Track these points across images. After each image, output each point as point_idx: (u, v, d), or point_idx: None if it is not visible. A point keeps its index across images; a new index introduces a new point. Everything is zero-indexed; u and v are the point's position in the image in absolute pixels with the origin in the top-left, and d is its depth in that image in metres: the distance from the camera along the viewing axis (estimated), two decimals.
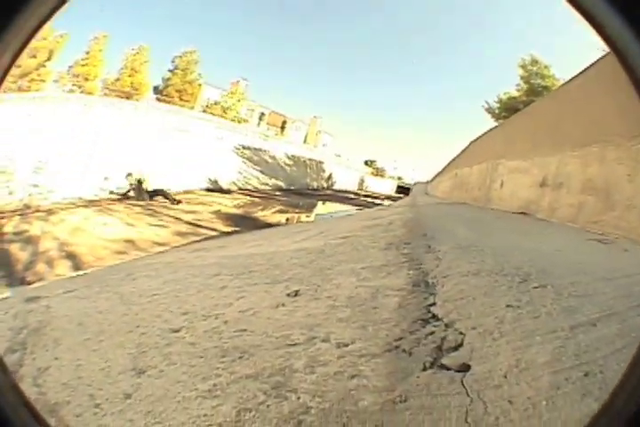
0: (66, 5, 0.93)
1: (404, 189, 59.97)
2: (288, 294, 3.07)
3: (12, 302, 4.13)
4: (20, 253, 8.85)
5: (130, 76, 41.98)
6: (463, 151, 19.75)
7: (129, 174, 17.25)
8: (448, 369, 1.71)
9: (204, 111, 40.89)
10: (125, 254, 8.81)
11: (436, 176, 31.65)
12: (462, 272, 3.02)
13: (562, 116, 7.65)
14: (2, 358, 0.92)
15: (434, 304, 2.45)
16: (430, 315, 2.31)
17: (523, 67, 26.04)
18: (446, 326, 2.14)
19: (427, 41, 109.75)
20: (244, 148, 31.33)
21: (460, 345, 1.89)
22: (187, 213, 12.98)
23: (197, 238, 10.47)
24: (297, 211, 20.02)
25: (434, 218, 7.09)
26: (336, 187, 47.77)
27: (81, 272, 7.16)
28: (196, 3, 79.00)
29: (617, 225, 5.14)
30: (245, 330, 2.55)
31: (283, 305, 2.87)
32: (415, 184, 51.68)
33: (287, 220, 16.38)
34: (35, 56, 36.18)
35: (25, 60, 36.07)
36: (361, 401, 1.61)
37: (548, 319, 2.01)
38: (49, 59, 37.43)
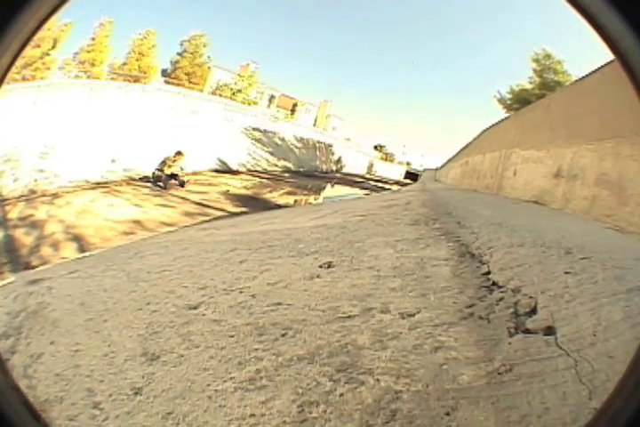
0: (66, 5, 0.96)
1: (412, 175, 59.30)
2: (321, 266, 2.84)
3: (14, 286, 3.90)
4: (24, 238, 8.70)
5: (137, 60, 41.88)
6: (475, 139, 19.40)
7: (178, 153, 16.34)
8: (534, 333, 1.58)
9: (214, 93, 40.82)
10: (133, 235, 8.62)
11: (445, 163, 31.38)
12: (506, 244, 2.82)
13: (578, 109, 7.54)
14: (1, 357, 0.99)
15: (489, 273, 2.29)
16: (490, 282, 2.16)
17: (536, 60, 25.87)
18: (513, 291, 1.99)
19: (441, 25, 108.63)
20: (253, 129, 31.13)
21: (535, 309, 1.75)
22: (195, 193, 12.79)
23: (206, 218, 10.26)
24: (305, 193, 19.82)
25: (451, 200, 6.90)
26: (345, 170, 47.25)
27: (87, 254, 6.85)
28: None
29: (630, 220, 4.95)
30: (280, 304, 2.30)
31: (318, 277, 2.63)
32: (424, 170, 51.30)
33: (295, 201, 16.17)
34: (39, 46, 36.24)
35: (28, 51, 36.06)
36: (460, 376, 1.37)
37: (604, 284, 1.90)
38: (53, 47, 37.44)
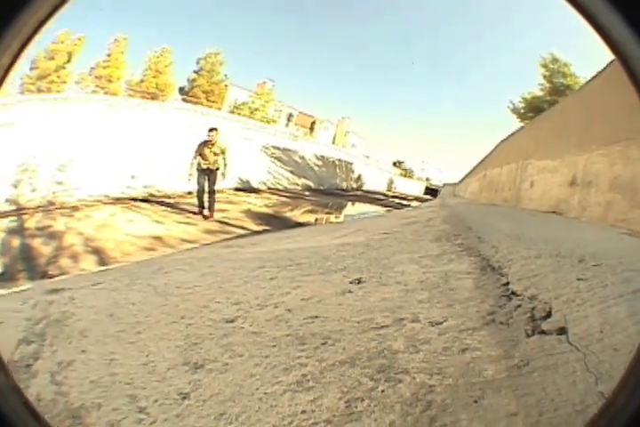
0: (66, 5, 0.95)
1: (432, 191, 60.02)
2: (351, 282, 2.99)
3: (31, 293, 3.87)
4: (42, 247, 8.62)
5: (154, 77, 42.98)
6: (491, 152, 19.40)
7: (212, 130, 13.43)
8: (548, 334, 1.79)
9: (232, 112, 41.00)
10: (153, 251, 8.66)
11: (464, 178, 31.39)
12: (524, 256, 3.01)
13: (587, 114, 7.60)
14: (2, 358, 0.93)
15: (508, 283, 2.50)
16: (510, 291, 2.36)
17: (544, 66, 26.60)
18: (530, 298, 2.19)
19: (453, 39, 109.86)
20: (273, 148, 31.26)
21: (550, 313, 1.96)
22: (216, 211, 12.70)
23: (227, 236, 10.29)
24: (326, 211, 19.96)
25: (470, 216, 6.96)
26: (365, 188, 47.44)
27: (108, 267, 6.93)
28: (219, 4, 79.64)
29: None
30: (317, 317, 2.46)
31: (350, 292, 2.80)
32: (444, 186, 51.26)
33: (316, 220, 16.19)
34: (53, 58, 37.23)
35: (43, 63, 36.91)
36: (484, 371, 1.60)
37: (613, 287, 2.09)
38: (69, 61, 38.22)
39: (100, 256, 8.12)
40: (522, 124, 24.10)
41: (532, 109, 26.61)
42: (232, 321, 2.55)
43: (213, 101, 44.07)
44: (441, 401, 1.45)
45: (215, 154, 12.83)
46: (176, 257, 6.25)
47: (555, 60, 26.52)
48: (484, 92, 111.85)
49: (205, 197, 12.73)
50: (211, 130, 12.98)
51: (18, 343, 2.36)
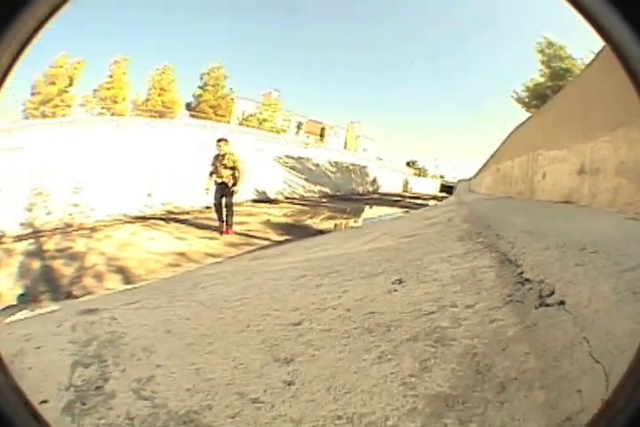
0: (66, 5, 0.96)
1: (447, 188, 60.05)
2: (393, 282, 3.33)
3: (62, 315, 3.78)
4: (64, 268, 8.71)
5: (159, 95, 42.92)
6: (502, 145, 19.53)
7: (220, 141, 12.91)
8: (551, 306, 2.33)
9: (241, 124, 40.95)
10: (178, 266, 8.76)
11: (477, 172, 31.55)
12: (535, 249, 3.45)
13: (587, 100, 7.74)
14: (1, 357, 0.95)
15: (522, 272, 3.01)
16: (524, 279, 2.88)
17: (541, 51, 26.65)
18: (538, 282, 2.71)
19: (454, 36, 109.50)
20: (286, 157, 31.51)
21: (553, 292, 2.48)
22: (236, 224, 12.81)
23: (251, 248, 10.44)
24: (345, 216, 20.10)
25: (487, 213, 7.06)
26: (381, 190, 47.52)
27: (135, 285, 7.02)
28: (214, 17, 79.83)
29: None
30: (374, 312, 2.83)
31: (395, 291, 3.18)
32: (458, 182, 50.96)
33: (335, 226, 16.42)
34: (54, 83, 38.04)
35: (44, 88, 37.76)
36: (507, 332, 2.21)
37: (604, 269, 2.53)
38: (70, 84, 38.95)
39: (125, 275, 8.21)
40: (529, 114, 23.97)
41: (537, 97, 26.90)
42: (299, 324, 2.76)
43: (222, 115, 44.02)
44: (482, 353, 2.06)
45: (226, 167, 12.40)
46: (206, 272, 6.29)
47: (550, 45, 26.69)
48: (486, 85, 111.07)
49: (223, 211, 12.49)
50: (218, 141, 12.64)
51: (72, 367, 2.36)
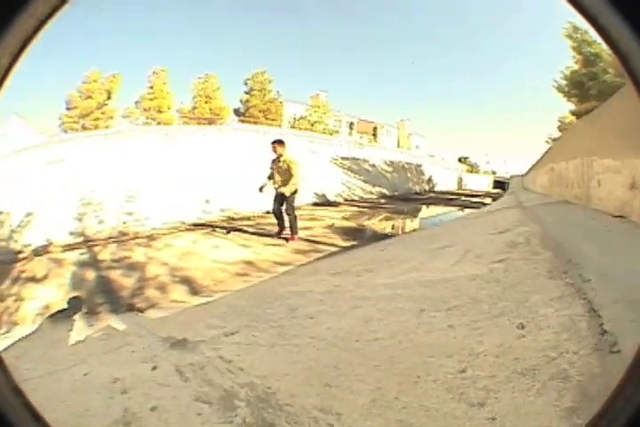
0: (66, 5, 0.96)
1: (500, 184, 59.13)
2: (517, 327, 3.13)
3: (142, 343, 3.68)
4: (122, 279, 8.45)
5: (206, 102, 43.96)
6: (554, 145, 19.53)
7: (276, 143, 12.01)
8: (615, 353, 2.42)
9: (293, 127, 41.35)
10: (248, 276, 8.31)
11: (530, 169, 30.87)
12: (613, 300, 3.24)
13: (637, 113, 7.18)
14: (1, 357, 0.99)
15: (603, 324, 2.87)
16: (604, 329, 2.78)
17: (569, 37, 26.28)
18: (610, 334, 2.68)
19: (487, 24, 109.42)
20: (342, 159, 31.55)
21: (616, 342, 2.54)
22: (300, 229, 12.27)
23: (319, 255, 10.06)
24: (402, 217, 19.97)
25: (559, 230, 6.65)
26: (437, 189, 47.31)
27: (209, 298, 6.66)
28: (253, 21, 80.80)
29: None
30: (517, 358, 2.71)
31: (523, 336, 2.98)
32: (512, 178, 50.57)
33: (393, 227, 16.38)
34: (90, 97, 40.04)
35: (80, 102, 40.03)
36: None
37: None
38: (109, 98, 40.96)
39: (191, 285, 7.80)
40: (570, 104, 26.68)
41: (575, 86, 27.05)
42: (464, 371, 2.65)
43: (272, 119, 44.67)
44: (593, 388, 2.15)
45: (281, 170, 11.68)
46: (290, 289, 5.73)
47: (576, 29, 26.18)
48: (529, 74, 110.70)
49: (283, 218, 11.88)
50: (273, 143, 11.91)
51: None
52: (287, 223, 11.88)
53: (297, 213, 12.04)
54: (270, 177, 11.93)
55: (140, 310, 6.51)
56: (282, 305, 4.52)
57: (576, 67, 27.37)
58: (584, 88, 26.00)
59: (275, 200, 11.81)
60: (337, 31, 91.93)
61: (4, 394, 0.89)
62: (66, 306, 7.35)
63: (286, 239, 11.72)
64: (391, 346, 3.06)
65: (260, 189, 11.89)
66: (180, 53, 71.31)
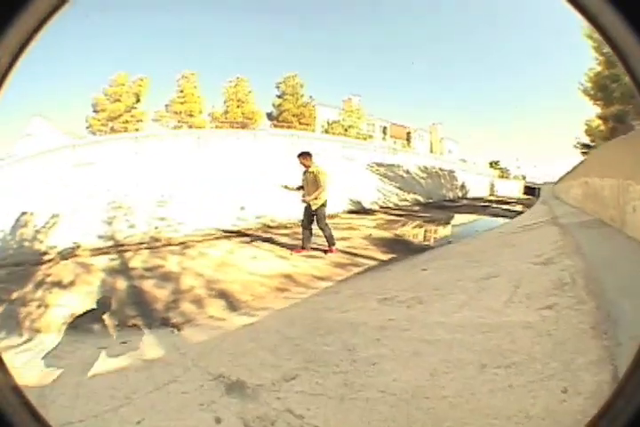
0: (66, 5, 0.97)
1: (530, 190, 58.55)
2: (565, 389, 2.92)
3: (195, 390, 3.35)
4: (155, 290, 8.31)
5: (238, 106, 43.85)
6: (589, 157, 18.84)
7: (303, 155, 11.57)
8: None
9: (327, 132, 41.35)
10: (288, 291, 8.10)
11: (562, 178, 30.08)
12: None
13: None
14: (1, 357, 0.99)
15: None
16: None
17: (589, 36, 25.66)
18: None
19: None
20: (377, 165, 31.61)
21: None
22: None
23: (359, 269, 9.80)
24: (436, 224, 19.93)
25: (599, 267, 5.95)
26: (469, 195, 47.16)
27: (247, 319, 6.34)
28: (282, 24, 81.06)
29: None
30: None
31: (565, 392, 2.86)
32: (544, 184, 50.11)
33: (428, 236, 16.44)
34: (119, 100, 40.22)
35: (108, 105, 40.39)
36: None
37: None
38: (138, 101, 41.22)
39: (229, 300, 7.61)
40: (597, 108, 26.47)
41: (600, 89, 26.51)
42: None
43: (306, 124, 44.57)
44: None
45: (309, 182, 11.21)
46: (339, 317, 5.39)
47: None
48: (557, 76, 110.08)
49: (308, 233, 11.71)
50: (298, 156, 11.36)
51: None
52: (324, 237, 11.52)
53: (333, 221, 11.79)
54: (301, 188, 11.62)
55: (176, 326, 6.29)
56: (336, 341, 4.23)
57: (599, 68, 26.79)
58: (608, 91, 25.66)
59: (304, 213, 11.53)
60: (366, 33, 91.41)
61: (4, 394, 0.89)
62: (94, 306, 7.20)
63: (325, 251, 11.48)
64: (459, 406, 2.85)
65: (285, 187, 11.59)
66: (209, 57, 71.44)
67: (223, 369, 3.67)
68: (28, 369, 4.57)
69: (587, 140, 32.70)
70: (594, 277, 5.27)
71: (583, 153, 32.21)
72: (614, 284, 4.99)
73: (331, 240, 11.42)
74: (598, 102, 27.28)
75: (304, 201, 11.20)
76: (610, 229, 8.21)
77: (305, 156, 11.28)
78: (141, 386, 3.61)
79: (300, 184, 11.54)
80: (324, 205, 11.19)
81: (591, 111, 30.15)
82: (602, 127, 28.98)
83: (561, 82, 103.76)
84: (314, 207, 11.06)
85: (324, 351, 3.95)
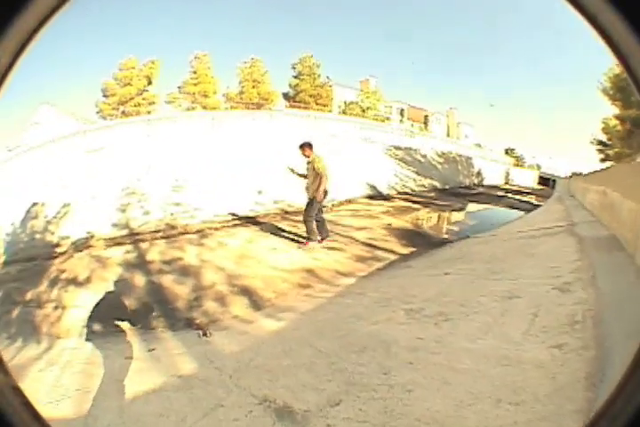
0: (66, 5, 0.97)
1: (545, 181, 57.66)
2: None
3: (245, 416, 3.22)
4: (176, 286, 8.11)
5: (253, 87, 43.46)
6: (612, 168, 18.47)
7: (304, 146, 11.39)
8: None
9: (344, 113, 41.09)
10: (311, 288, 7.99)
11: (578, 177, 29.52)
12: None
13: None
14: (1, 357, 0.98)
15: None
16: None
17: None
18: None
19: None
20: (395, 148, 31.39)
21: None
22: (357, 229, 11.87)
23: (380, 265, 9.74)
24: (453, 213, 19.99)
25: (610, 306, 5.61)
26: (485, 182, 46.55)
27: (273, 322, 6.11)
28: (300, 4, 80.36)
29: None
30: None
31: None
32: (564, 177, 49.87)
33: (443, 223, 16.98)
34: (129, 84, 39.37)
35: (119, 89, 39.45)
36: None
37: None
38: (150, 83, 40.53)
39: (252, 298, 7.46)
40: (615, 108, 26.41)
41: (619, 90, 26.23)
42: None
43: (323, 104, 44.15)
44: None
45: (310, 172, 11.08)
46: (369, 330, 5.20)
47: None
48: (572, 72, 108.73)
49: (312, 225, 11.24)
50: (300, 147, 11.22)
51: None
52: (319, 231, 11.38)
53: (351, 206, 11.56)
54: (304, 176, 11.47)
55: (201, 328, 6.07)
56: (371, 362, 4.15)
57: (617, 70, 25.44)
58: (627, 93, 25.07)
59: (306, 206, 11.34)
60: (381, 16, 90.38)
61: (4, 394, 0.89)
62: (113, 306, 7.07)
63: (300, 243, 11.38)
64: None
65: (291, 170, 11.50)
66: (221, 38, 70.62)
67: (267, 391, 3.58)
68: (58, 394, 4.30)
69: (603, 137, 32.69)
70: (602, 318, 5.12)
71: (599, 151, 32.50)
72: (619, 328, 4.84)
73: (310, 234, 11.13)
74: (617, 103, 27.08)
75: (307, 191, 11.23)
76: (624, 255, 7.96)
77: (304, 147, 11.15)
78: (188, 411, 3.46)
79: (305, 173, 11.37)
80: (325, 195, 11.03)
81: (608, 110, 30.23)
82: (619, 127, 28.84)
83: (580, 77, 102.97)
84: (318, 198, 10.82)
85: (360, 373, 3.91)
